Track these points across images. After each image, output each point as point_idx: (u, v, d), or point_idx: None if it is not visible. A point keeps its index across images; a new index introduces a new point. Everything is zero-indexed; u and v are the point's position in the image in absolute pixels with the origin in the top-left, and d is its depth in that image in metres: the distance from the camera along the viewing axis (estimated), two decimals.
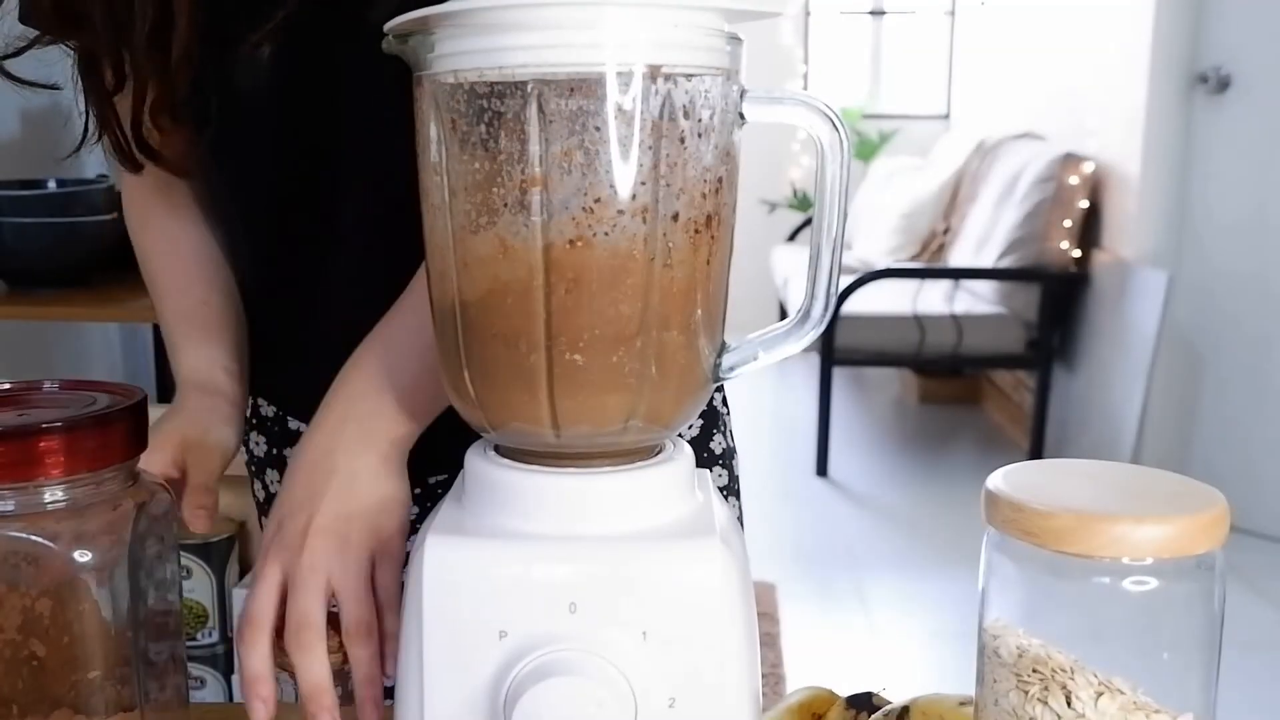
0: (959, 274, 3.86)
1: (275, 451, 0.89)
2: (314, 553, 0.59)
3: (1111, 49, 3.46)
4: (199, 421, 0.75)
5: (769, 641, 2.44)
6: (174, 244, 0.83)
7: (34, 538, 0.51)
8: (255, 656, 0.59)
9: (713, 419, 0.90)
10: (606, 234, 0.46)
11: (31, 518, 0.51)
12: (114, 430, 0.53)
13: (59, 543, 0.51)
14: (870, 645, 2.52)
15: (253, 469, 0.93)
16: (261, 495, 0.92)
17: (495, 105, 0.45)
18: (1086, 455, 3.17)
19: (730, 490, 0.91)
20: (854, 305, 3.50)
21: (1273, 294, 2.94)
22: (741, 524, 0.91)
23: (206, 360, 0.79)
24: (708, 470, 0.58)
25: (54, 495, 0.51)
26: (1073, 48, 3.85)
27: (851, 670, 2.39)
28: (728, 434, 0.91)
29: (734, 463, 0.92)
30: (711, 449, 0.89)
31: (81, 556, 0.51)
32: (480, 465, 0.51)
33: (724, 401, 0.91)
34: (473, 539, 0.49)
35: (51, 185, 1.83)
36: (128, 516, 0.53)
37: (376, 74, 0.58)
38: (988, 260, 3.71)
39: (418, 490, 0.89)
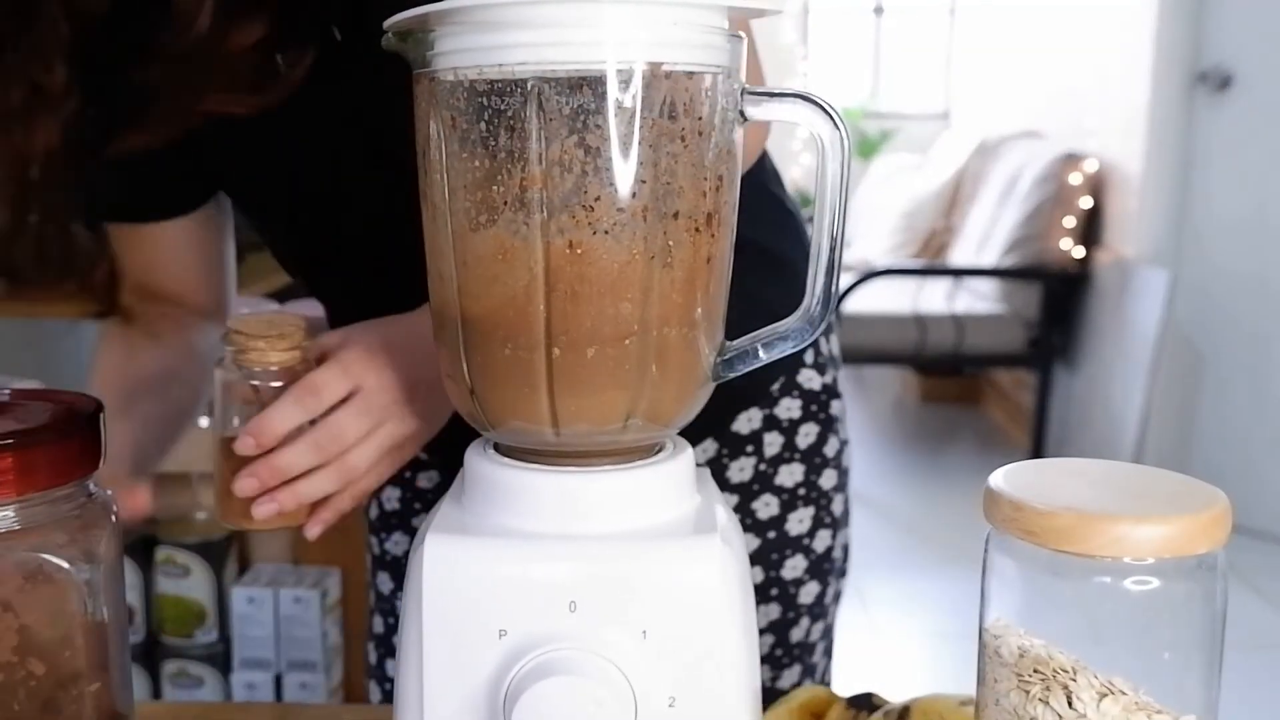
0: (960, 273, 3.86)
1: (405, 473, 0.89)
2: (393, 416, 0.63)
3: (1112, 48, 3.46)
4: None
5: None
6: (123, 359, 0.83)
7: (40, 555, 0.49)
8: (287, 421, 0.61)
9: (829, 425, 0.86)
10: (607, 232, 0.46)
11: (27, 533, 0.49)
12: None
13: (49, 553, 0.50)
14: (870, 645, 2.52)
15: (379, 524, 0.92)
16: (375, 512, 0.92)
17: (495, 103, 0.45)
18: (1087, 454, 3.17)
19: (839, 487, 0.87)
20: (854, 304, 3.50)
21: (1274, 293, 2.94)
22: (848, 516, 0.89)
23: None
24: (708, 469, 0.58)
25: (5, 513, 0.49)
26: (1073, 46, 3.85)
27: (852, 670, 2.39)
28: (842, 429, 0.88)
29: (844, 455, 0.88)
30: (825, 453, 0.86)
31: (80, 573, 0.50)
32: (480, 464, 0.51)
33: (836, 392, 0.87)
34: (472, 538, 0.49)
35: None
36: (104, 529, 0.52)
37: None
38: (989, 259, 3.71)
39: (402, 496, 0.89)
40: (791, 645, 0.84)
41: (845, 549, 0.90)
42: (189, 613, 1.54)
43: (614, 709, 0.46)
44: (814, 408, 0.84)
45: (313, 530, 0.64)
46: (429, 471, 0.88)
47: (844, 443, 0.88)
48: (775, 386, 0.82)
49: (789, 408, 0.83)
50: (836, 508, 0.87)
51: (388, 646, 0.91)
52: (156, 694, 1.57)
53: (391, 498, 0.90)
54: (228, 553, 1.55)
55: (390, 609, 0.91)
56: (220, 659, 1.55)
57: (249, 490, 0.61)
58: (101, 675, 0.52)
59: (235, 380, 0.63)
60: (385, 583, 0.92)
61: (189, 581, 1.53)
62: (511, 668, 0.47)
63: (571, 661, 0.47)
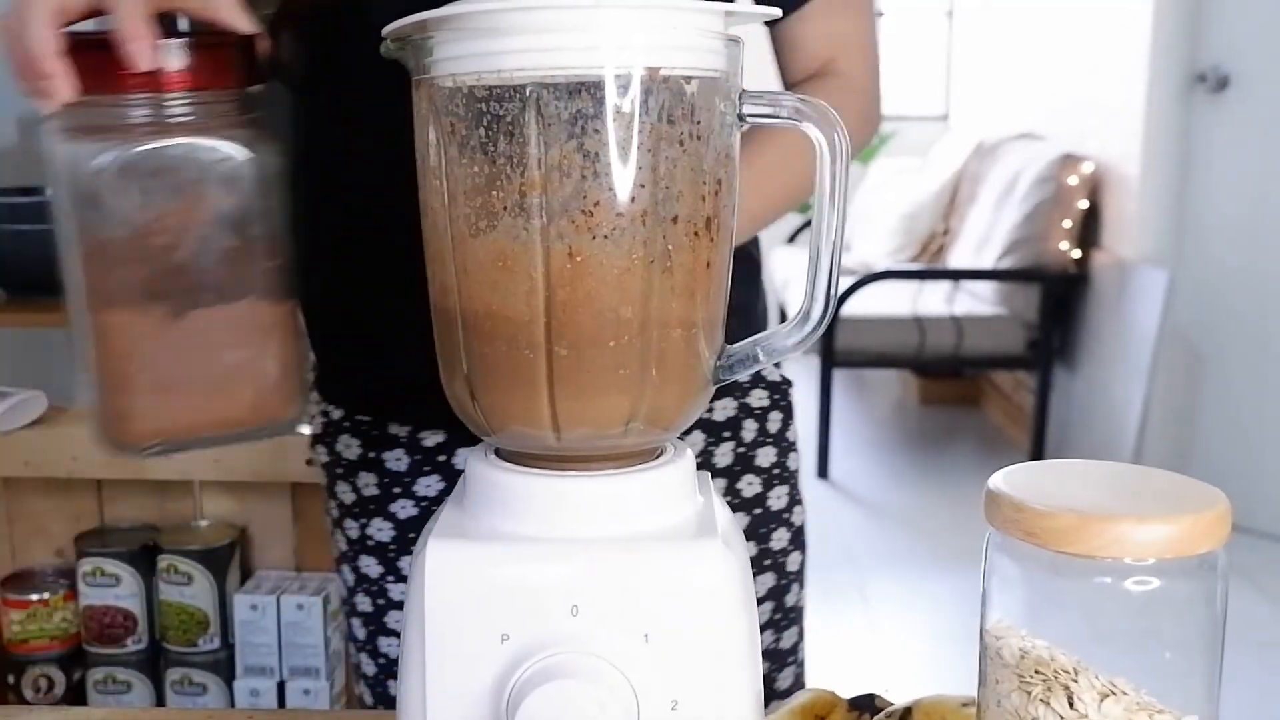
0: (959, 275, 3.86)
1: (372, 455, 0.87)
2: None
3: (1110, 49, 3.46)
4: None
5: None
6: None
7: (215, 143, 0.58)
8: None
9: (788, 412, 0.94)
10: (606, 237, 0.46)
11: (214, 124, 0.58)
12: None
13: (240, 144, 0.59)
14: (872, 646, 2.52)
15: (339, 471, 0.90)
16: (351, 497, 0.89)
17: (494, 109, 0.45)
18: (1087, 455, 3.17)
19: (798, 470, 0.96)
20: (854, 307, 3.50)
21: (1273, 292, 2.94)
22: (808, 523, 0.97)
23: None
24: (709, 473, 0.58)
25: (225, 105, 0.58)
26: (1072, 48, 3.86)
27: (854, 671, 2.39)
28: (796, 418, 0.96)
29: (799, 442, 0.97)
30: (789, 438, 0.94)
31: (260, 156, 0.59)
32: (481, 469, 0.51)
33: (790, 382, 0.94)
34: (474, 542, 0.49)
35: (50, 192, 1.83)
36: (275, 138, 0.61)
37: None
38: (988, 261, 3.71)
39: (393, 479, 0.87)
40: (788, 609, 0.93)
41: (803, 530, 0.98)
42: (192, 620, 1.54)
43: (616, 712, 0.46)
44: (777, 396, 0.93)
45: None
46: (397, 451, 0.87)
47: (797, 432, 0.97)
48: (745, 378, 0.90)
49: (759, 397, 0.91)
50: (801, 488, 0.97)
51: (378, 624, 0.90)
52: (160, 701, 1.57)
53: (369, 484, 0.88)
54: (230, 560, 1.55)
55: (380, 591, 0.89)
56: (223, 666, 1.55)
57: None
58: (280, 254, 0.61)
59: None
60: (372, 567, 0.89)
61: (191, 589, 1.53)
62: (514, 672, 0.47)
63: (574, 665, 0.47)
